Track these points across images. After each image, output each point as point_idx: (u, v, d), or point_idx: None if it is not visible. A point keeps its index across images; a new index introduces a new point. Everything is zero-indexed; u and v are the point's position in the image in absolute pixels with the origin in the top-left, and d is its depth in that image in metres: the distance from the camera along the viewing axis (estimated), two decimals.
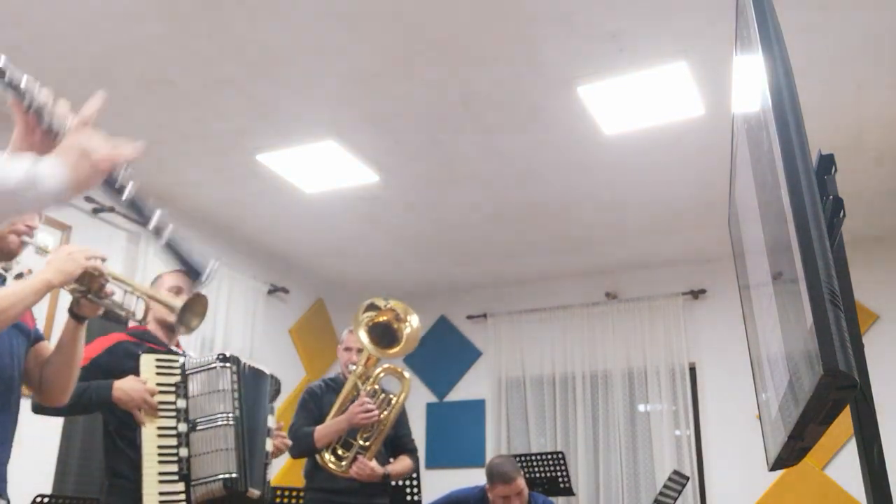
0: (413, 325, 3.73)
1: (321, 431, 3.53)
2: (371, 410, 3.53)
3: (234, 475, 2.54)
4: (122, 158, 1.41)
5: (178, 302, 2.49)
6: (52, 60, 3.78)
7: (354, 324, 3.63)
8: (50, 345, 2.26)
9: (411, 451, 3.83)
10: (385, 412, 3.61)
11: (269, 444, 2.83)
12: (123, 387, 2.53)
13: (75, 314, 2.20)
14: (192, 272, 1.59)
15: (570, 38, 3.62)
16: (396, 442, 3.77)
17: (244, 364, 2.77)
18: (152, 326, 2.93)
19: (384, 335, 3.69)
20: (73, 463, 4.69)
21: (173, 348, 2.92)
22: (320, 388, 3.74)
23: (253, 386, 2.79)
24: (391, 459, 3.73)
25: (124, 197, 1.49)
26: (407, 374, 3.81)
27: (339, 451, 3.56)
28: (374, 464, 3.54)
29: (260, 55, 3.77)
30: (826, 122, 4.20)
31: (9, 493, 2.05)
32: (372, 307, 3.70)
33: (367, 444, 3.57)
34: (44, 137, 1.50)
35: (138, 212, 1.53)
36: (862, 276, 3.94)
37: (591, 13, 3.45)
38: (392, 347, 3.68)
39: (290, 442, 3.22)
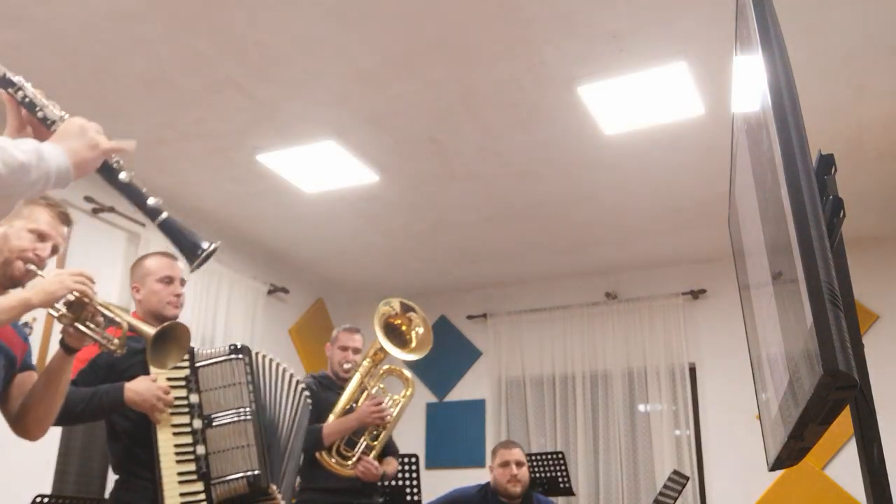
0: (419, 331, 3.73)
1: (330, 429, 3.48)
2: (385, 410, 3.52)
3: (256, 472, 2.48)
4: (117, 146, 1.46)
5: (151, 330, 2.22)
6: (52, 60, 3.78)
7: (376, 319, 3.63)
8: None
9: (395, 453, 3.84)
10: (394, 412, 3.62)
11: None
12: (135, 388, 2.46)
13: (64, 344, 2.12)
14: (188, 250, 1.57)
15: (570, 38, 3.62)
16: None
17: (257, 354, 2.74)
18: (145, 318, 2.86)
19: (393, 336, 3.69)
20: (73, 463, 4.69)
21: None
22: (316, 386, 3.67)
23: (272, 380, 2.74)
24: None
25: (121, 177, 1.53)
26: (409, 375, 3.81)
27: (342, 450, 3.53)
28: (377, 463, 3.54)
29: (260, 55, 3.77)
30: (826, 122, 4.20)
31: None
32: (387, 305, 3.72)
33: (375, 442, 3.56)
34: (37, 130, 1.51)
35: (134, 195, 1.56)
36: (862, 276, 3.96)
37: (591, 13, 3.45)
38: (404, 348, 3.68)
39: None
